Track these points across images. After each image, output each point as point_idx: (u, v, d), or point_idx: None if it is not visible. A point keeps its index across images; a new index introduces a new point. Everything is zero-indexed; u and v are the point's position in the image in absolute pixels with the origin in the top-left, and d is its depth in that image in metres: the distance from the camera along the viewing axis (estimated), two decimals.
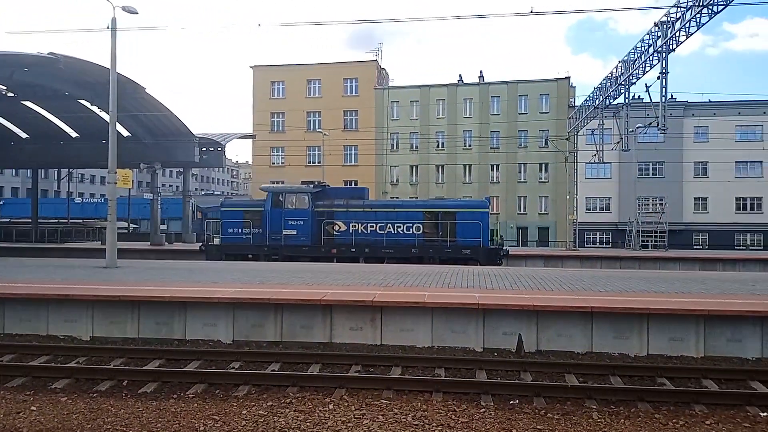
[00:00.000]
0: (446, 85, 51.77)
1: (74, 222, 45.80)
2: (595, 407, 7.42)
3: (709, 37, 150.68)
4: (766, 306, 10.29)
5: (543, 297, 11.27)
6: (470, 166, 50.62)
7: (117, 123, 19.57)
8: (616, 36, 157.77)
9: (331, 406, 7.33)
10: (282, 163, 53.59)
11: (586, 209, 49.82)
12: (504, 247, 26.37)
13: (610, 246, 46.97)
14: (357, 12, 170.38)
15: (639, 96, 34.25)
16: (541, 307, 10.28)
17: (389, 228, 24.12)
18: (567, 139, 39.98)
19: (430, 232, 24.22)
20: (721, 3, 19.78)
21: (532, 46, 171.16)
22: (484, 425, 6.76)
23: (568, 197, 40.01)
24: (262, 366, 9.14)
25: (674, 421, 6.99)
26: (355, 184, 47.18)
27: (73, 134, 37.73)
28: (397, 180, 51.36)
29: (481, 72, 53.25)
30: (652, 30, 23.49)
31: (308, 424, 6.74)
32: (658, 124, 23.95)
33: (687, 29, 21.40)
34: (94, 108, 32.44)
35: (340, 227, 24.42)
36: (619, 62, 28.08)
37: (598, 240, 49.90)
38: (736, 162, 47.90)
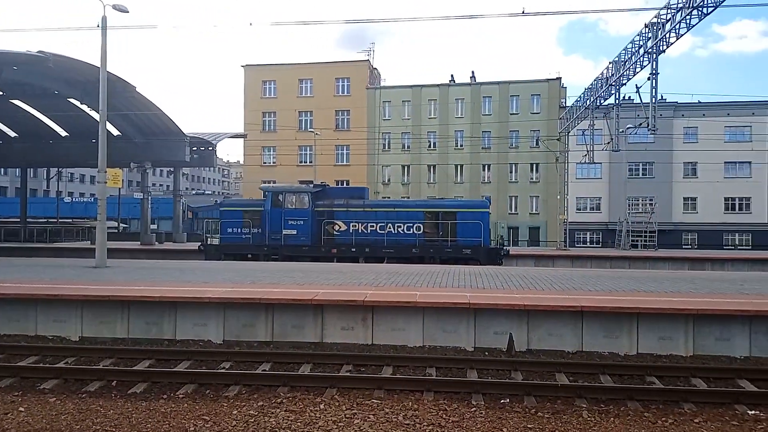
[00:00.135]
0: (438, 85, 51.83)
1: (63, 221, 45.52)
2: (585, 406, 7.46)
3: (698, 39, 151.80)
4: (754, 305, 10.38)
5: (534, 296, 11.31)
6: (462, 166, 50.70)
7: (107, 122, 19.46)
8: (607, 37, 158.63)
9: (322, 406, 7.32)
10: (273, 162, 53.44)
11: (577, 209, 50.03)
12: (504, 247, 26.32)
13: (600, 246, 47.19)
14: (348, 12, 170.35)
15: (629, 97, 34.50)
16: (531, 306, 10.31)
17: (389, 228, 24.08)
18: (558, 139, 40.16)
19: (431, 232, 24.19)
20: (711, 5, 19.92)
21: (523, 46, 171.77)
22: (475, 424, 6.78)
23: (558, 197, 40.17)
24: (253, 366, 9.11)
25: (663, 419, 7.04)
26: (347, 184, 47.17)
27: (63, 133, 37.48)
28: (389, 180, 51.36)
29: (472, 72, 53.41)
30: (643, 31, 23.64)
31: (299, 424, 6.73)
32: (648, 125, 24.10)
33: (677, 30, 21.55)
34: (84, 107, 32.22)
35: (340, 227, 24.37)
36: (610, 63, 28.23)
37: (588, 240, 50.13)
38: (725, 162, 48.25)
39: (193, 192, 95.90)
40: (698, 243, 47.37)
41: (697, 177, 49.02)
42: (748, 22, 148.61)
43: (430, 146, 51.27)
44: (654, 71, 23.02)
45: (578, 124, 36.34)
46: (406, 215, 24.56)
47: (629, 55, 25.61)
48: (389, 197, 45.53)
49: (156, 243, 35.34)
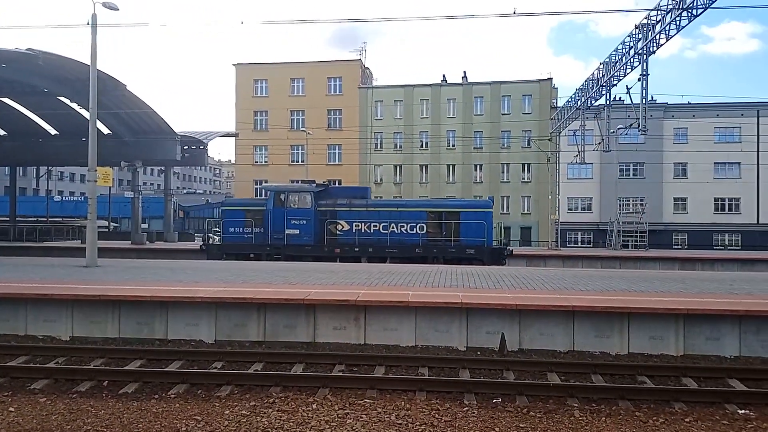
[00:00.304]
0: (430, 85, 51.87)
1: (53, 220, 45.22)
2: (576, 405, 7.49)
3: (687, 40, 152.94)
4: (744, 305, 10.46)
5: (525, 296, 11.34)
6: (454, 166, 50.77)
7: (97, 120, 19.33)
8: (597, 38, 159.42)
9: (314, 406, 7.31)
10: (265, 161, 53.30)
11: (568, 209, 50.24)
12: (508, 247, 26.38)
13: (591, 246, 47.40)
14: (339, 11, 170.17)
15: (620, 97, 34.63)
16: (523, 306, 10.35)
17: (393, 228, 24.00)
18: (549, 139, 40.34)
19: (434, 232, 24.14)
20: (701, 6, 20.06)
21: (515, 47, 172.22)
22: (467, 424, 6.79)
23: (550, 197, 40.35)
24: (245, 366, 9.09)
25: (654, 419, 7.08)
26: (339, 184, 47.11)
27: (53, 131, 37.22)
28: (381, 179, 51.36)
29: (464, 72, 53.51)
30: (633, 32, 23.77)
31: (291, 423, 6.72)
32: (638, 126, 24.23)
33: (667, 32, 21.69)
34: (74, 105, 32.00)
35: (343, 227, 24.28)
36: (601, 64, 28.38)
37: (579, 240, 50.35)
38: (714, 163, 48.59)
39: (185, 191, 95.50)
40: (688, 243, 47.68)
41: (687, 177, 49.35)
42: (736, 24, 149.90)
43: (422, 146, 51.32)
44: (644, 72, 23.15)
45: (569, 124, 36.53)
46: (409, 215, 24.48)
47: (620, 56, 25.75)
48: (381, 197, 45.51)
49: (147, 242, 35.18)
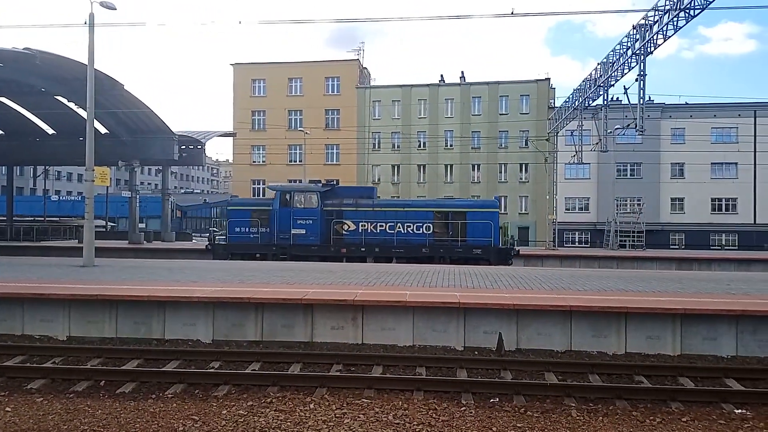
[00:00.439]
0: (428, 85, 51.89)
1: (51, 220, 45.12)
2: (574, 405, 7.50)
3: (684, 41, 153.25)
4: (741, 305, 10.48)
5: (523, 296, 11.35)
6: (451, 165, 50.79)
7: (95, 120, 19.29)
8: (595, 38, 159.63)
9: (312, 406, 7.31)
10: (263, 161, 53.27)
11: (566, 209, 50.29)
12: (515, 247, 26.33)
13: (588, 246, 47.44)
14: (337, 11, 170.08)
15: (617, 98, 34.71)
16: (521, 306, 10.36)
17: (399, 228, 24.01)
18: (547, 139, 40.36)
19: (441, 232, 24.14)
20: (698, 7, 20.10)
21: (512, 47, 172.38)
22: (465, 423, 6.80)
23: (547, 197, 40.36)
24: (243, 366, 9.08)
25: (651, 418, 7.09)
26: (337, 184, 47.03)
27: (50, 131, 37.14)
28: (379, 179, 51.34)
29: (462, 72, 53.49)
30: (631, 33, 23.81)
31: (289, 423, 6.72)
32: (636, 126, 24.28)
33: (664, 32, 21.72)
34: (71, 104, 31.91)
35: (349, 227, 24.28)
36: (598, 64, 28.41)
37: (577, 240, 50.40)
38: (711, 163, 48.68)
39: (182, 191, 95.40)
40: (685, 243, 47.74)
41: (684, 178, 49.43)
42: (733, 25, 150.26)
43: (419, 146, 51.33)
44: (642, 72, 23.19)
45: (567, 124, 36.57)
46: (416, 215, 24.48)
47: (617, 57, 25.79)
48: (380, 197, 45.47)
49: (144, 242, 35.08)
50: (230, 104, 54.39)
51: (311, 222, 24.20)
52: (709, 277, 16.62)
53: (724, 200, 49.61)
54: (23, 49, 25.61)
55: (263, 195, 50.32)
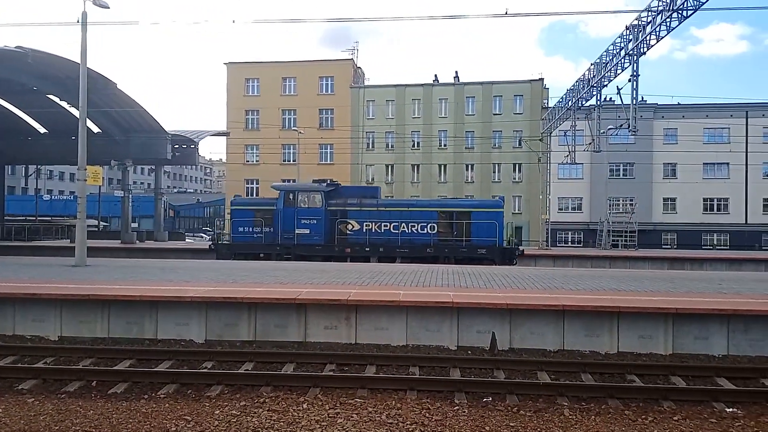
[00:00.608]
0: (422, 84, 51.88)
1: (42, 219, 44.91)
2: (566, 404, 7.53)
3: (677, 41, 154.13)
4: (732, 304, 10.54)
5: (516, 296, 11.38)
6: (445, 165, 50.81)
7: (87, 119, 19.20)
8: (588, 39, 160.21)
9: (305, 406, 7.30)
10: (256, 161, 53.12)
11: (559, 209, 50.44)
12: (519, 247, 26.23)
13: (581, 245, 47.61)
14: (331, 11, 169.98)
15: (610, 98, 34.85)
16: (514, 305, 10.38)
17: (403, 227, 23.98)
18: (540, 139, 40.48)
19: (445, 232, 24.13)
20: (691, 8, 20.19)
21: (506, 47, 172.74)
22: (458, 423, 6.81)
23: (541, 197, 40.49)
24: (236, 366, 9.06)
25: (643, 417, 7.12)
26: None
27: (42, 130, 36.96)
28: (373, 179, 51.29)
29: (456, 72, 53.67)
30: (624, 33, 23.89)
31: (282, 423, 6.71)
32: (629, 126, 24.37)
33: (657, 33, 21.82)
34: (64, 103, 31.80)
35: (353, 226, 24.24)
36: (592, 65, 28.51)
37: (570, 239, 50.57)
38: (703, 164, 48.94)
39: (175, 190, 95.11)
40: (677, 243, 48.00)
41: (676, 178, 49.68)
42: (725, 26, 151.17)
43: (413, 146, 51.31)
44: (635, 73, 23.28)
45: (560, 124, 36.67)
46: (420, 215, 24.46)
47: (610, 57, 25.87)
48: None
49: (137, 242, 34.99)
50: (224, 103, 54.22)
51: (315, 222, 24.16)
52: (700, 277, 16.71)
53: (715, 200, 49.90)
54: (15, 47, 25.48)
55: (257, 195, 50.23)
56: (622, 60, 24.56)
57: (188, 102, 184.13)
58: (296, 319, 10.67)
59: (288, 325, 10.67)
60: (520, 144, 48.02)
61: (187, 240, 44.35)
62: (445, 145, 50.78)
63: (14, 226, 38.84)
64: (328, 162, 51.51)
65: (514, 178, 49.99)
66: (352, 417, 6.92)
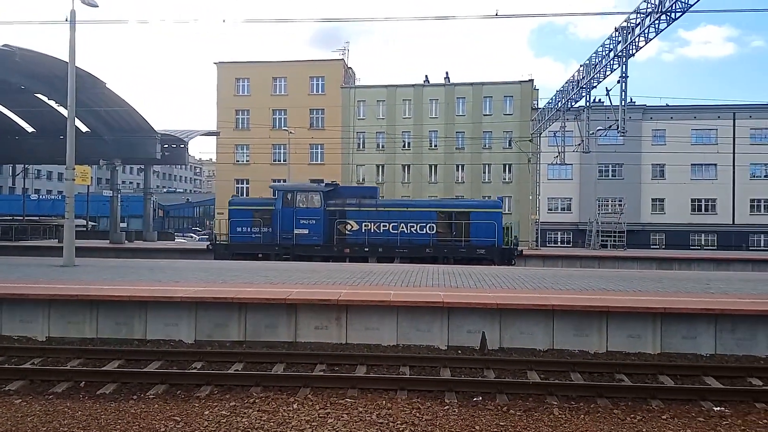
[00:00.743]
0: (413, 85, 51.94)
1: (30, 219, 44.47)
2: (556, 403, 7.56)
3: (665, 43, 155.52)
4: (720, 304, 10.63)
5: (506, 295, 11.42)
6: (436, 166, 50.90)
7: (76, 118, 19.06)
8: (577, 40, 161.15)
9: (295, 406, 7.28)
10: (247, 161, 52.95)
11: (548, 209, 50.64)
12: (518, 247, 26.31)
13: (571, 245, 47.84)
14: (321, 11, 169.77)
15: (599, 99, 35.09)
16: (504, 305, 10.41)
17: (402, 228, 23.99)
18: (530, 140, 40.65)
19: (444, 232, 24.15)
20: (679, 10, 20.35)
21: (496, 48, 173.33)
22: (448, 422, 6.82)
23: (531, 198, 40.63)
24: (225, 366, 9.02)
25: (632, 416, 7.17)
26: None
27: (30, 129, 36.64)
28: (364, 179, 51.29)
29: (446, 73, 53.82)
30: (613, 35, 24.04)
31: (272, 423, 6.69)
32: (617, 127, 24.52)
33: (646, 35, 21.98)
34: (52, 102, 31.54)
35: (352, 227, 24.21)
36: (581, 66, 28.66)
37: (559, 239, 50.80)
38: (691, 164, 49.31)
39: (164, 190, 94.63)
40: (666, 243, 48.34)
41: (664, 179, 50.03)
42: (712, 28, 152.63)
43: (404, 146, 51.36)
44: (623, 74, 23.43)
45: (550, 125, 36.84)
46: (419, 215, 24.48)
47: (600, 59, 26.02)
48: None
49: (126, 242, 34.75)
50: (214, 103, 53.99)
51: (314, 222, 24.11)
52: (688, 277, 16.83)
53: (703, 201, 50.32)
54: (2, 46, 25.27)
55: (247, 194, 50.04)
56: (611, 61, 24.71)
57: (178, 101, 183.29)
58: (286, 319, 10.64)
59: (278, 326, 10.64)
60: (510, 145, 48.21)
61: (177, 240, 44.16)
62: (435, 146, 50.87)
63: (1, 226, 38.48)
64: (319, 162, 51.43)
65: (504, 179, 50.15)
66: (342, 417, 6.91)
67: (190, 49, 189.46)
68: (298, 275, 14.79)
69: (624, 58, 23.26)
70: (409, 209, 25.01)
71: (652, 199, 50.45)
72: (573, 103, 31.62)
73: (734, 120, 49.38)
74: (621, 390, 7.99)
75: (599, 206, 40.10)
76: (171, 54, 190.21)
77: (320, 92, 52.46)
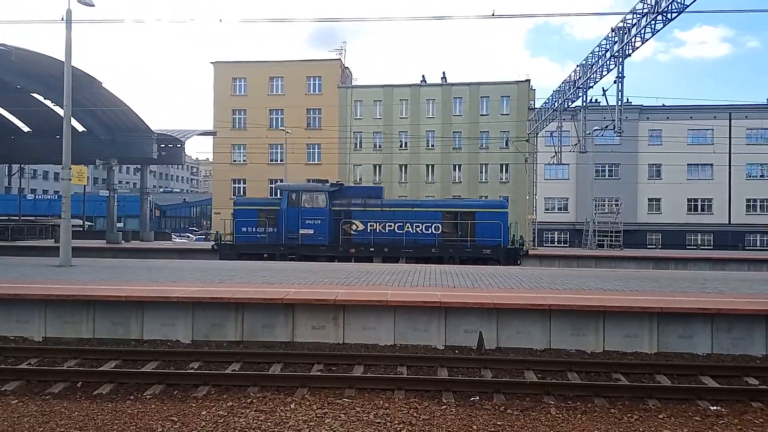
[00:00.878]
0: (409, 85, 51.98)
1: (26, 219, 44.32)
2: (553, 403, 7.57)
3: (660, 44, 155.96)
4: (716, 304, 10.66)
5: (503, 295, 11.43)
6: (433, 166, 50.95)
7: (72, 118, 19.00)
8: (573, 41, 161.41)
9: (292, 406, 7.28)
10: (243, 160, 52.90)
11: (545, 209, 50.73)
12: (523, 247, 26.17)
13: (567, 245, 47.92)
14: (318, 10, 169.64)
15: (596, 99, 35.14)
16: (501, 305, 10.42)
17: (408, 228, 23.94)
18: (527, 140, 40.70)
19: (450, 232, 24.10)
20: (675, 10, 20.39)
21: (493, 48, 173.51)
22: (446, 422, 6.82)
23: (527, 197, 40.67)
24: (222, 366, 9.01)
25: (629, 415, 7.19)
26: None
27: (26, 129, 36.52)
28: (361, 179, 51.30)
29: (443, 73, 53.72)
30: (609, 35, 24.09)
31: (269, 423, 6.69)
32: (614, 127, 24.55)
33: (642, 35, 22.01)
34: (48, 102, 31.45)
35: (357, 227, 24.16)
36: (578, 66, 28.71)
37: (556, 239, 50.88)
38: (687, 164, 49.47)
39: (161, 190, 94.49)
40: (662, 243, 48.46)
41: (661, 178, 50.17)
42: (707, 29, 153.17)
43: (401, 146, 51.40)
44: (620, 75, 23.47)
45: (547, 125, 36.90)
46: (425, 215, 24.42)
47: (596, 59, 26.08)
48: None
49: (122, 242, 34.65)
50: (211, 103, 53.94)
51: (320, 222, 24.05)
52: (685, 277, 16.87)
53: (699, 201, 50.46)
54: None
55: (244, 194, 49.97)
56: (608, 62, 24.75)
57: (175, 101, 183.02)
58: (284, 319, 10.64)
59: (275, 326, 10.63)
60: (507, 144, 48.30)
61: (178, 240, 44.11)
62: (432, 146, 50.91)
63: None
64: (316, 162, 51.44)
65: (501, 179, 50.21)
66: (339, 417, 6.91)
67: (186, 48, 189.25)
68: (295, 275, 14.78)
69: (620, 59, 23.30)
70: (414, 209, 24.97)
71: (649, 199, 50.56)
72: (570, 103, 31.67)
73: (730, 120, 49.54)
74: (618, 389, 8.01)
75: (596, 206, 40.12)
76: (168, 54, 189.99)
77: (317, 92, 52.46)
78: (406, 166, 51.30)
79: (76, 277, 14.10)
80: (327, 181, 26.17)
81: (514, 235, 25.39)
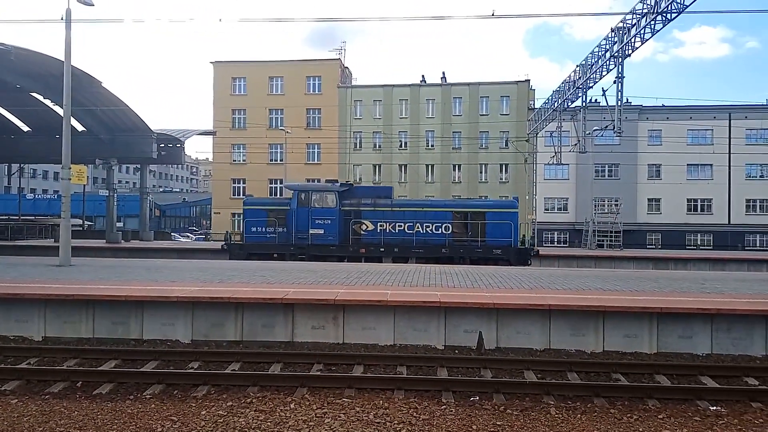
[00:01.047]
0: (409, 85, 51.99)
1: (26, 219, 44.32)
2: (552, 403, 7.57)
3: (660, 44, 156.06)
4: (716, 304, 10.67)
5: (503, 295, 11.43)
6: (433, 165, 50.96)
7: (71, 117, 18.99)
8: (572, 41, 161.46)
9: (292, 406, 7.28)
10: (243, 160, 52.90)
11: (545, 209, 50.72)
12: (534, 248, 26.16)
13: (567, 245, 47.92)
14: (317, 10, 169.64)
15: (596, 99, 35.14)
16: (501, 305, 10.42)
17: (418, 228, 23.90)
18: (527, 140, 40.71)
19: (460, 232, 24.04)
20: (675, 11, 20.40)
21: (493, 48, 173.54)
22: (445, 422, 6.82)
23: (527, 197, 40.67)
24: (222, 366, 9.01)
25: (629, 415, 7.19)
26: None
27: (25, 128, 36.51)
28: (360, 179, 51.27)
29: (443, 73, 53.73)
30: (609, 36, 24.09)
31: (269, 423, 6.69)
32: (614, 127, 24.56)
33: (642, 35, 22.02)
34: (47, 101, 31.43)
35: (367, 227, 24.11)
36: (577, 66, 28.71)
37: (556, 239, 50.88)
38: (687, 165, 49.46)
39: (161, 189, 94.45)
40: (662, 243, 48.45)
41: (661, 179, 50.15)
42: (707, 29, 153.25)
43: (401, 146, 51.40)
44: (619, 75, 23.48)
45: (546, 125, 36.90)
46: (435, 215, 24.36)
47: (596, 59, 26.08)
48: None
49: (122, 241, 34.65)
50: (210, 102, 53.93)
51: (329, 222, 24.01)
52: (684, 277, 16.88)
53: (699, 201, 50.46)
54: None
55: (244, 194, 49.95)
56: (607, 62, 24.76)
57: (174, 101, 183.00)
58: (283, 319, 10.64)
59: (275, 325, 10.64)
60: (506, 145, 48.31)
61: (180, 239, 44.08)
62: (432, 146, 50.92)
63: None
64: (316, 162, 51.45)
65: (501, 179, 50.22)
66: (339, 417, 6.91)
67: (186, 48, 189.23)
68: (295, 275, 14.78)
69: (620, 59, 23.31)
70: (424, 209, 24.91)
71: (649, 199, 50.56)
72: (569, 104, 31.67)
73: (730, 120, 49.54)
74: (618, 389, 8.01)
75: (596, 206, 40.11)
76: (167, 53, 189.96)
77: (317, 92, 52.46)
78: (405, 166, 51.31)
79: (75, 276, 14.10)
80: (337, 180, 26.11)
81: (524, 235, 25.34)
